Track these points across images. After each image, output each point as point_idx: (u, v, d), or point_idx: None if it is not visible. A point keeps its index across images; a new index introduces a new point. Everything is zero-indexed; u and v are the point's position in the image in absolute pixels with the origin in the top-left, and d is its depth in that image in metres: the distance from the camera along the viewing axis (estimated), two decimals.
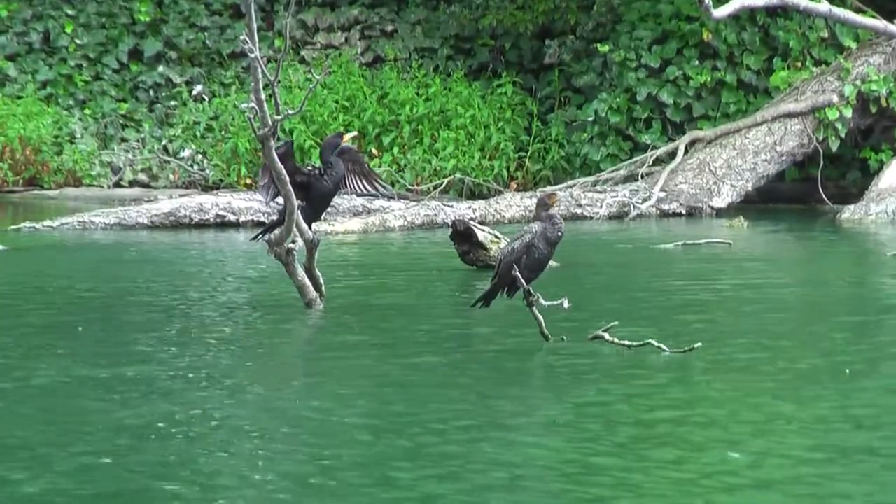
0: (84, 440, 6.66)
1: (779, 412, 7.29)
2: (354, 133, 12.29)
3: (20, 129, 24.27)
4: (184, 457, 6.34)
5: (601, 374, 8.30)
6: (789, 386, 7.95)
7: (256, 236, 11.57)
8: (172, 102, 26.04)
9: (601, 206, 20.12)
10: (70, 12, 26.44)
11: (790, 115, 21.43)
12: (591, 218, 19.97)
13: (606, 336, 9.01)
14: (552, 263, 10.26)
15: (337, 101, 24.33)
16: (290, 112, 10.30)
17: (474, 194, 22.82)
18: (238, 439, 6.70)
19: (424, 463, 6.26)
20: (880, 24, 20.92)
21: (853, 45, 22.27)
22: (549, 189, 21.61)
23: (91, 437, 6.72)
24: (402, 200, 10.14)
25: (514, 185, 23.81)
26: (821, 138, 21.36)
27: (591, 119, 23.38)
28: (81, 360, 8.71)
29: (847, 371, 8.21)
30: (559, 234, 9.20)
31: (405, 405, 7.46)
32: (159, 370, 8.38)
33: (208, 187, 24.03)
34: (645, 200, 20.41)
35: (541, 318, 9.12)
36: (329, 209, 15.78)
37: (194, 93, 26.10)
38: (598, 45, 23.81)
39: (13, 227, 17.63)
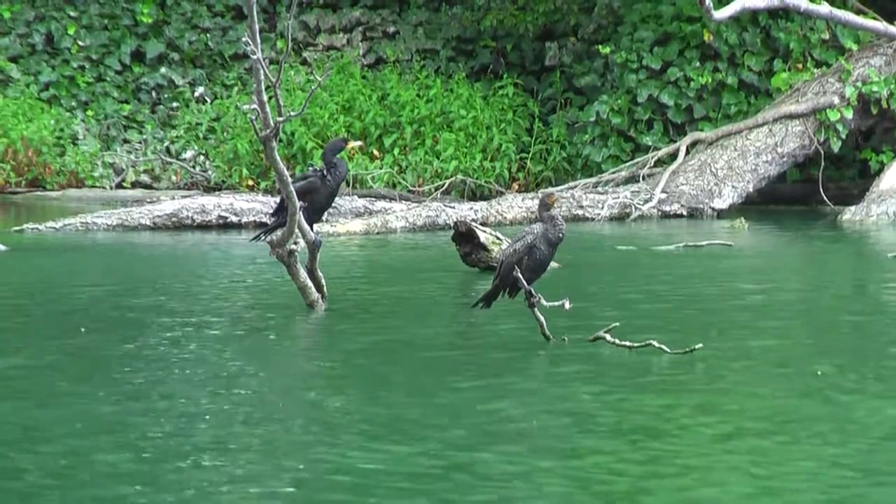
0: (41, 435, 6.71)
1: (777, 414, 7.31)
2: (360, 143, 12.35)
3: (23, 131, 24.31)
4: (159, 455, 6.38)
5: (602, 374, 8.33)
6: (788, 388, 7.98)
7: (257, 236, 11.61)
8: (174, 104, 26.08)
9: (602, 208, 20.15)
10: (72, 14, 26.48)
11: (791, 117, 21.46)
12: (593, 219, 19.99)
13: (608, 337, 9.04)
14: (553, 264, 10.29)
15: (337, 103, 24.35)
16: (292, 114, 10.33)
17: (476, 195, 22.85)
18: (225, 442, 6.73)
19: (420, 467, 6.28)
20: (881, 25, 20.96)
21: (854, 47, 22.30)
22: (549, 190, 21.66)
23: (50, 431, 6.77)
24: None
25: (515, 186, 23.84)
26: (822, 139, 21.38)
27: (592, 120, 23.41)
28: (78, 359, 8.74)
29: (819, 372, 8.22)
30: (560, 235, 9.23)
31: (404, 406, 7.48)
32: (156, 369, 8.40)
33: (210, 188, 24.07)
34: (646, 202, 20.44)
35: (542, 318, 9.15)
36: (330, 210, 15.82)
37: (196, 94, 26.13)
38: (600, 46, 23.84)
39: (16, 228, 17.66)
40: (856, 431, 6.86)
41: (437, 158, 23.52)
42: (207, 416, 7.19)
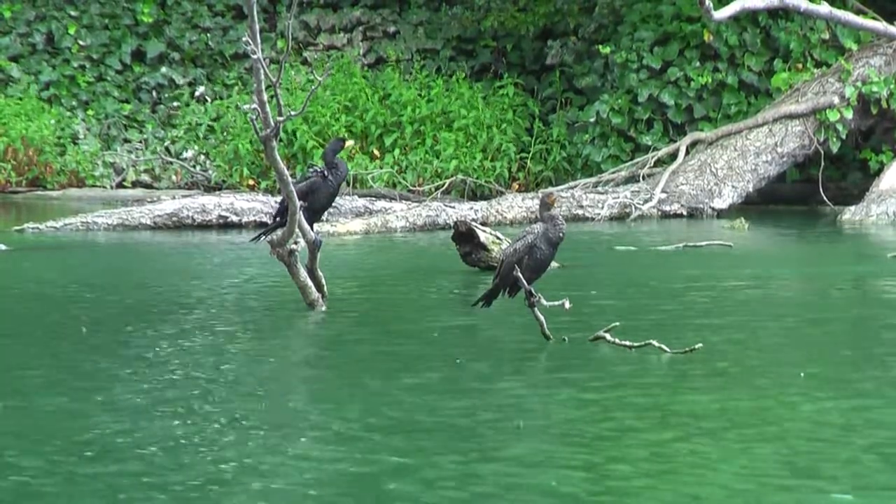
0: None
1: (772, 415, 7.33)
2: (351, 142, 12.50)
3: (23, 130, 24.33)
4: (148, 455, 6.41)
5: (601, 374, 8.34)
6: (787, 388, 7.99)
7: (258, 237, 11.63)
8: (175, 103, 26.10)
9: (602, 207, 20.17)
10: (73, 13, 26.50)
11: (791, 117, 21.47)
12: (593, 219, 20.01)
13: (608, 337, 9.06)
14: (554, 264, 10.31)
15: (339, 103, 24.38)
16: (293, 113, 10.35)
17: (476, 195, 22.87)
18: (218, 440, 6.75)
19: (415, 470, 6.28)
20: (881, 25, 20.98)
21: (854, 47, 22.31)
22: (549, 190, 21.68)
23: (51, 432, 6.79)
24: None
25: (515, 185, 23.86)
26: (821, 139, 21.40)
27: (592, 120, 23.43)
28: (77, 359, 8.76)
29: (801, 374, 8.21)
30: (561, 234, 9.24)
31: (401, 405, 7.49)
32: (154, 367, 8.42)
33: (210, 188, 24.08)
34: (646, 201, 20.45)
35: (542, 318, 9.16)
36: (331, 210, 15.83)
37: (197, 94, 26.15)
38: (600, 46, 23.85)
39: (17, 227, 17.67)
40: (830, 435, 6.87)
41: (437, 158, 23.54)
42: (196, 417, 7.19)
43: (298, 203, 10.53)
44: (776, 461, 6.33)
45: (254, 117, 10.09)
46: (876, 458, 6.35)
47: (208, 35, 26.76)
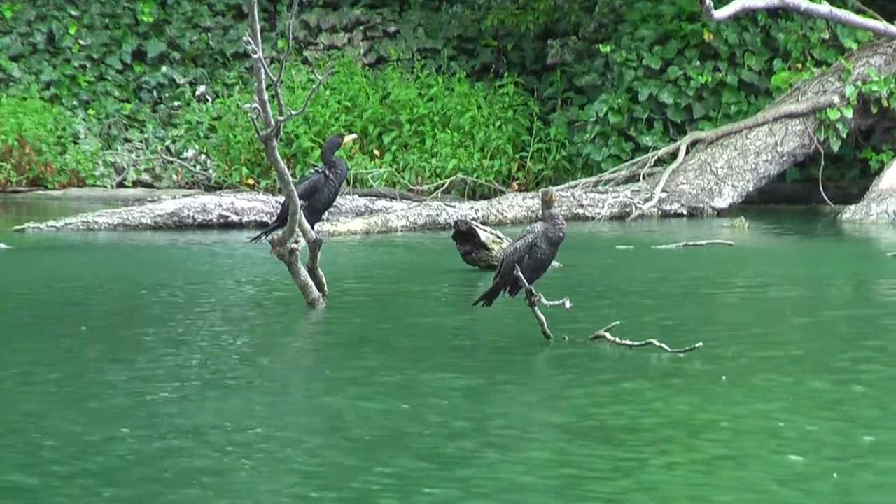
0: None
1: (773, 414, 7.34)
2: (355, 136, 12.47)
3: (24, 130, 24.33)
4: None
5: (601, 373, 8.35)
6: (786, 388, 8.00)
7: (258, 237, 11.64)
8: (176, 103, 26.11)
9: (603, 207, 20.18)
10: (74, 13, 26.51)
11: (791, 116, 21.48)
12: (593, 218, 20.02)
13: (608, 336, 9.07)
14: (554, 263, 10.32)
15: (339, 102, 24.39)
16: (293, 112, 10.36)
17: (476, 195, 22.88)
18: (213, 442, 6.76)
19: (410, 468, 6.29)
20: (881, 25, 20.99)
21: (854, 46, 22.32)
22: (549, 189, 21.67)
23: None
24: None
25: (515, 185, 23.87)
26: (822, 139, 21.41)
27: (592, 119, 23.44)
28: (78, 358, 8.77)
29: (723, 378, 8.18)
30: (561, 234, 9.25)
31: (404, 406, 7.50)
32: (153, 367, 8.42)
33: (211, 187, 24.10)
34: (646, 201, 20.46)
35: (542, 317, 9.18)
36: (331, 209, 15.85)
37: (197, 93, 26.16)
38: (600, 45, 23.86)
39: (17, 227, 17.67)
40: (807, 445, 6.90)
41: (437, 157, 23.53)
42: (193, 418, 7.20)
43: (300, 202, 10.54)
44: (777, 462, 6.34)
45: (254, 116, 10.10)
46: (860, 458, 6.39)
47: (209, 34, 26.77)
